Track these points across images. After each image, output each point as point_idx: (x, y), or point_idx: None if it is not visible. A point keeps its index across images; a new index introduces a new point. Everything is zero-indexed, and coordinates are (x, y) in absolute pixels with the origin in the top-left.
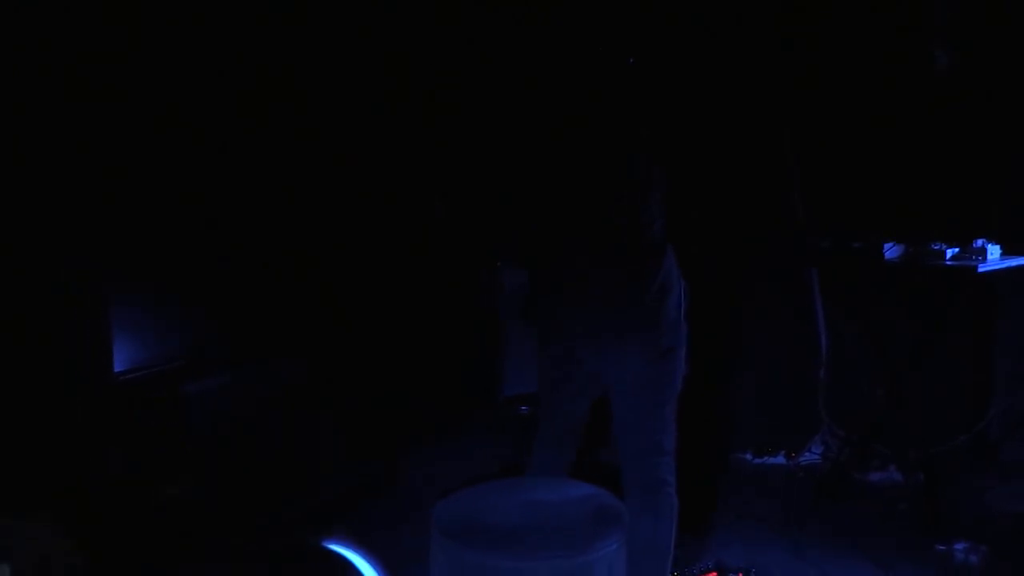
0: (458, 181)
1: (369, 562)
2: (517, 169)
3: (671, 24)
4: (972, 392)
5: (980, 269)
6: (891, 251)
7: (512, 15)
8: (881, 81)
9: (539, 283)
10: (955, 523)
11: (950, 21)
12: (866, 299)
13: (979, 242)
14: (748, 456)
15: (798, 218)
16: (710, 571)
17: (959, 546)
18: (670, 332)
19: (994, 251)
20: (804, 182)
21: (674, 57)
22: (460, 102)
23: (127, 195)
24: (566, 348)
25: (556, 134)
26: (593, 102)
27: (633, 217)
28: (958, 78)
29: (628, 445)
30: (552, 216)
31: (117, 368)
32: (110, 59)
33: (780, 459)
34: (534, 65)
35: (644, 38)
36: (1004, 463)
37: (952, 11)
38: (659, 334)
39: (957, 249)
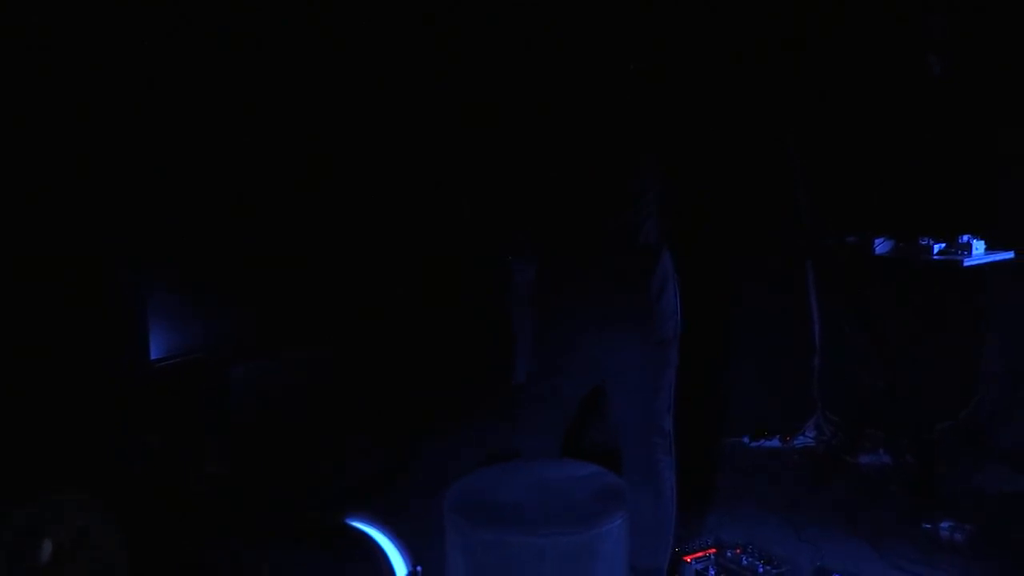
0: (483, 183)
1: (390, 539)
2: (523, 171)
3: (672, 29)
4: (959, 379)
5: (965, 263)
6: (882, 246)
7: (516, 23)
8: (877, 86)
9: (543, 277)
10: (942, 503)
11: (944, 30)
12: (859, 291)
13: (965, 238)
14: (745, 439)
15: (802, 214)
16: (710, 547)
17: (945, 524)
18: (666, 324)
19: (979, 246)
20: (805, 181)
21: (676, 61)
22: (482, 109)
23: (164, 191)
24: (568, 338)
25: (556, 137)
26: (594, 107)
27: (629, 216)
28: (949, 84)
29: (627, 428)
30: (553, 215)
31: (154, 355)
32: (151, 58)
33: (776, 442)
34: (539, 72)
35: (646, 44)
36: (991, 447)
37: (946, 20)
38: (656, 325)
39: (944, 244)
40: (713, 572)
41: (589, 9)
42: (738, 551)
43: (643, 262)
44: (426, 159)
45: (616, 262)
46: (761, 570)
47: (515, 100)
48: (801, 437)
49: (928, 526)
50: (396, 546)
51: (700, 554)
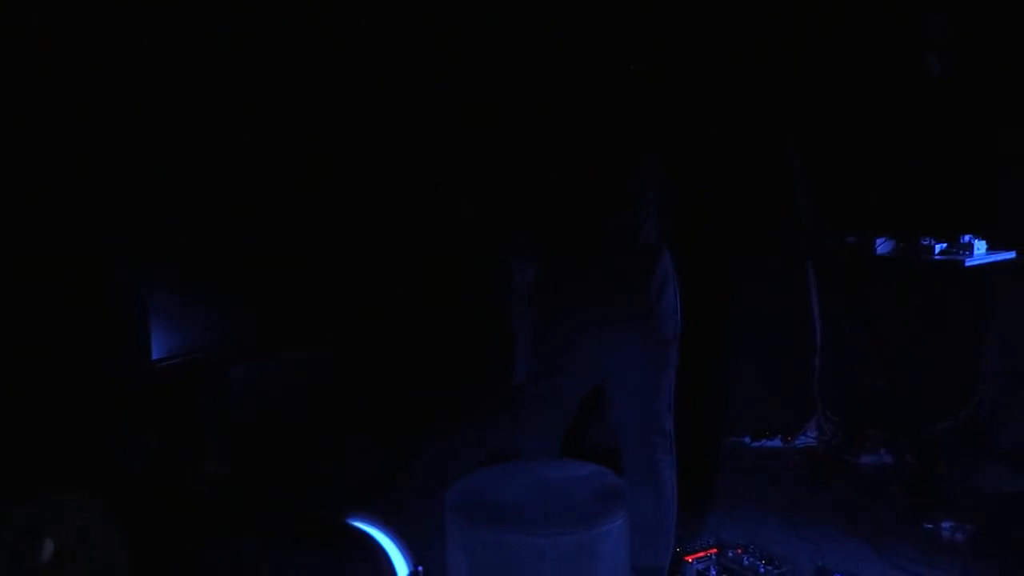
0: (483, 183)
1: (392, 539)
2: (523, 171)
3: (672, 29)
4: (959, 379)
5: (967, 263)
6: (883, 246)
7: (516, 23)
8: (877, 86)
9: (543, 277)
10: (943, 503)
11: (944, 30)
12: (860, 291)
13: (966, 238)
14: (746, 439)
15: (802, 214)
16: (711, 547)
17: (946, 524)
18: (666, 324)
19: (980, 246)
20: (805, 181)
21: (676, 61)
22: (481, 109)
23: (164, 191)
24: (568, 338)
25: (556, 137)
26: (594, 107)
27: (629, 216)
28: (949, 84)
29: (627, 428)
30: (553, 215)
31: (155, 355)
32: (151, 58)
33: (777, 442)
34: (538, 72)
35: (645, 44)
36: (991, 447)
37: (946, 21)
38: (656, 325)
39: (945, 244)
40: (714, 572)
41: (589, 9)
42: (739, 551)
43: (643, 262)
44: (426, 159)
45: (616, 262)
46: (762, 570)
47: (515, 100)
48: (802, 437)
49: (929, 526)
50: (397, 546)
51: (701, 554)
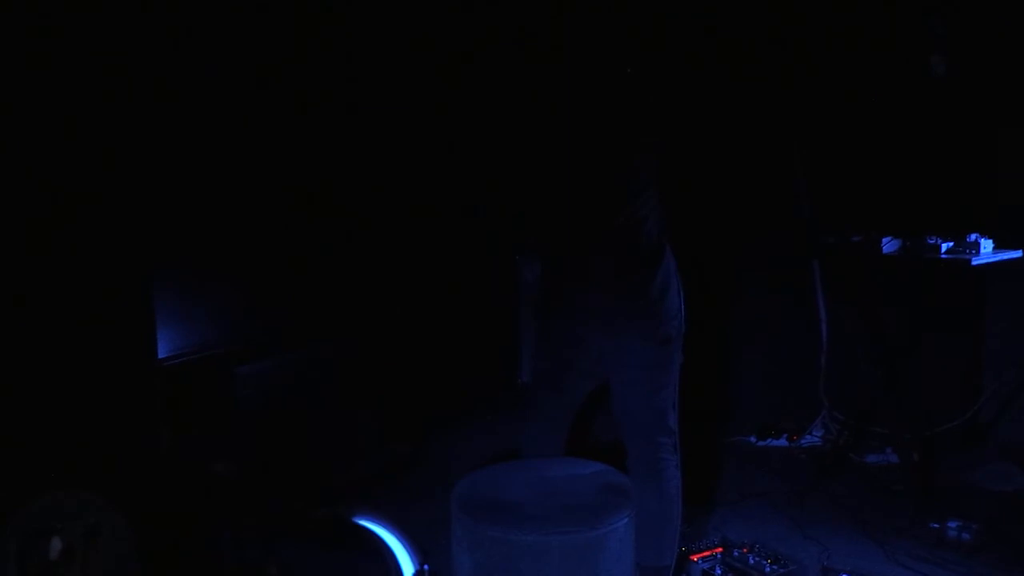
0: (499, 182)
1: (398, 537)
2: (525, 171)
3: (673, 29)
4: (965, 378)
5: (974, 262)
6: (889, 245)
7: (518, 25)
8: (881, 86)
9: (547, 273)
10: (948, 502)
11: (946, 30)
12: (865, 290)
13: (973, 236)
14: (752, 439)
15: (805, 214)
16: (716, 546)
17: (952, 524)
18: (669, 322)
19: (987, 245)
20: (809, 180)
21: (680, 63)
22: (485, 110)
23: (172, 189)
24: (571, 337)
25: (558, 136)
26: (595, 107)
27: (630, 215)
28: (953, 83)
29: (632, 426)
30: (555, 214)
31: (162, 354)
32: (158, 57)
33: (782, 441)
34: (539, 73)
35: (644, 46)
36: (996, 444)
37: (948, 21)
38: (659, 323)
39: (952, 243)
40: (720, 571)
41: (589, 10)
42: (745, 550)
43: (645, 261)
44: (436, 161)
45: (618, 261)
46: (768, 569)
47: (516, 101)
48: (808, 436)
49: (935, 525)
50: (403, 544)
51: (707, 553)
